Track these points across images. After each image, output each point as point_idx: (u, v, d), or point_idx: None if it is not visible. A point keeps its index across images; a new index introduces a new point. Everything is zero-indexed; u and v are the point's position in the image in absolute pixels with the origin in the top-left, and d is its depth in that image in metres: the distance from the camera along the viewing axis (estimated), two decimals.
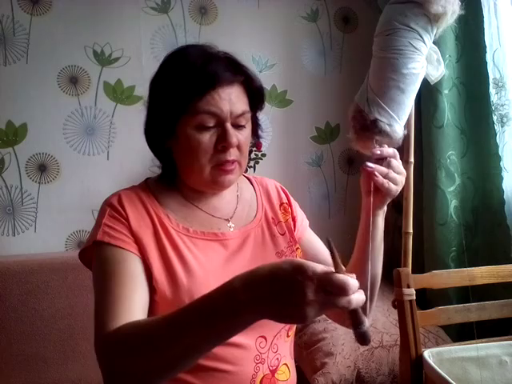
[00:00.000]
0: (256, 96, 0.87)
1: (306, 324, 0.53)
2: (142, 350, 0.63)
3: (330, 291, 0.53)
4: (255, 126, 0.91)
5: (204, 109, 0.79)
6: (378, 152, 0.82)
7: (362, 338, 0.57)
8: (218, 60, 0.82)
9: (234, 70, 0.82)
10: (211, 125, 0.80)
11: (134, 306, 0.73)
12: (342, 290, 0.52)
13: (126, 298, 0.73)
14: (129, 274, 0.76)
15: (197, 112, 0.79)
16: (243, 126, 0.84)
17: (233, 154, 0.83)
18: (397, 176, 0.82)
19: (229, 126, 0.81)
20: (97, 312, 0.74)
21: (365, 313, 0.57)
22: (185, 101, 0.79)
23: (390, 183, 0.81)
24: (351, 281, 0.53)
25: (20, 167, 1.84)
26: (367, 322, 0.57)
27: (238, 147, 0.84)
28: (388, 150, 0.83)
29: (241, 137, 0.83)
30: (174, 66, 0.83)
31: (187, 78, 0.79)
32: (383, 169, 0.81)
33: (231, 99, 0.80)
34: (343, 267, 0.57)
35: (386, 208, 0.88)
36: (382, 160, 0.83)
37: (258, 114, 0.92)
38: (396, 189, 0.83)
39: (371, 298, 0.91)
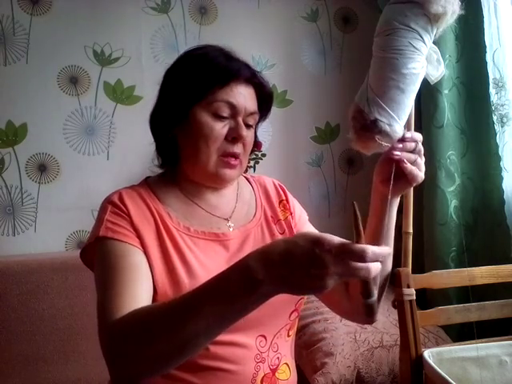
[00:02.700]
0: (265, 102, 0.91)
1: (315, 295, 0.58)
2: (151, 333, 0.62)
3: (348, 261, 0.53)
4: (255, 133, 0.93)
5: (223, 98, 0.82)
6: (409, 135, 0.79)
7: (370, 309, 0.59)
8: (239, 60, 0.87)
9: (252, 72, 0.87)
10: (226, 115, 0.83)
11: (139, 297, 0.73)
12: (361, 258, 0.53)
13: (130, 289, 0.73)
14: (133, 267, 0.76)
15: (215, 100, 0.82)
16: (251, 126, 0.87)
17: (240, 148, 0.85)
18: (421, 162, 0.80)
19: (241, 120, 0.84)
20: (100, 304, 0.73)
21: (374, 285, 0.59)
22: (206, 87, 0.82)
23: (417, 170, 0.79)
24: (370, 248, 0.54)
25: (20, 167, 1.84)
26: (376, 295, 0.59)
27: (244, 144, 0.86)
28: (418, 135, 0.80)
29: (248, 135, 0.86)
30: (195, 58, 0.86)
31: (211, 68, 0.83)
32: (412, 155, 0.78)
33: (246, 96, 0.85)
34: (363, 235, 0.58)
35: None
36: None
37: (259, 124, 0.94)
38: (421, 176, 0.80)
39: (381, 290, 0.89)
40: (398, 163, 0.77)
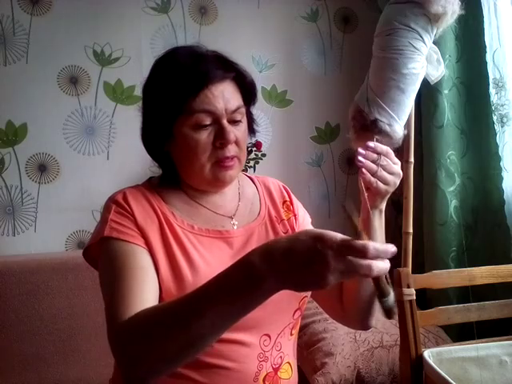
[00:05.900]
0: (248, 91, 0.88)
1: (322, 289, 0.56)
2: (158, 333, 0.63)
3: (350, 257, 0.53)
4: (250, 121, 0.92)
5: (199, 108, 0.80)
6: (372, 145, 0.79)
7: (386, 311, 0.58)
8: (208, 59, 0.83)
9: (224, 68, 0.83)
10: (208, 123, 0.81)
11: (146, 297, 0.73)
12: (362, 253, 0.53)
13: (137, 289, 0.73)
14: (139, 267, 0.76)
15: (192, 112, 0.80)
16: (239, 121, 0.85)
17: (232, 150, 0.83)
18: (387, 176, 0.79)
19: (225, 122, 0.82)
20: (108, 304, 0.73)
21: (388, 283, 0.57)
22: (179, 101, 0.80)
23: (379, 183, 0.78)
24: (371, 244, 0.53)
25: (20, 167, 1.84)
26: (392, 295, 0.57)
27: (236, 143, 0.84)
28: (382, 147, 0.80)
29: (238, 132, 0.84)
30: (165, 69, 0.85)
31: (179, 79, 0.81)
32: (372, 166, 0.78)
33: (224, 96, 0.81)
34: (363, 234, 0.57)
35: (383, 207, 0.86)
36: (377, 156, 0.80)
37: (251, 109, 0.92)
38: (386, 189, 0.80)
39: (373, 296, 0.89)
40: (359, 172, 0.77)
